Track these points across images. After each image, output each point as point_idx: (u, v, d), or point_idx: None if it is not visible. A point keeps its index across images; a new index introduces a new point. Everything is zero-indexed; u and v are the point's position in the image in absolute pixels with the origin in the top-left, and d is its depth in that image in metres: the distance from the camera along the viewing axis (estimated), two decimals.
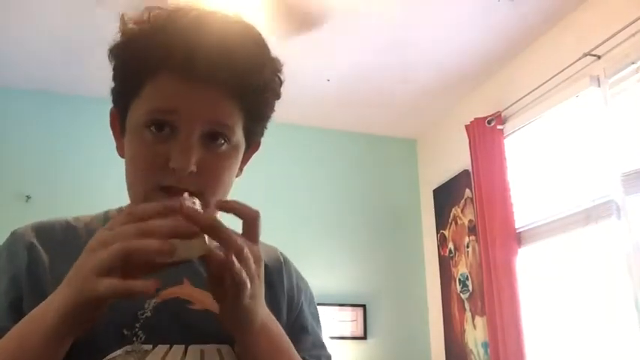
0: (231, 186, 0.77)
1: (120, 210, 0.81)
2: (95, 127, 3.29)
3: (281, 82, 0.77)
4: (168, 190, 0.69)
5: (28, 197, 3.06)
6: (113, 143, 0.78)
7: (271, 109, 0.79)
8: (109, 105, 0.77)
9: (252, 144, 0.81)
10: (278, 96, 0.78)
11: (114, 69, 0.74)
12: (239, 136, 0.74)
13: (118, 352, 0.64)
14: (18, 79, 3.15)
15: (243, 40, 0.72)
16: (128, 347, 0.65)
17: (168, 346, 0.67)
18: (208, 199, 0.70)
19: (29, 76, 3.13)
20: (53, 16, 2.65)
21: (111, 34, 0.73)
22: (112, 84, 0.75)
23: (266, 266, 0.70)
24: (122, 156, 0.76)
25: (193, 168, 0.68)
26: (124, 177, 0.74)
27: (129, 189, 0.74)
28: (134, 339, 0.66)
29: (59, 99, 3.26)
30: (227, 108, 0.71)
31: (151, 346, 0.66)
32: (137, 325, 0.67)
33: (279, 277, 0.84)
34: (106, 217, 0.79)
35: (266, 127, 0.82)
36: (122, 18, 0.72)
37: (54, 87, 3.22)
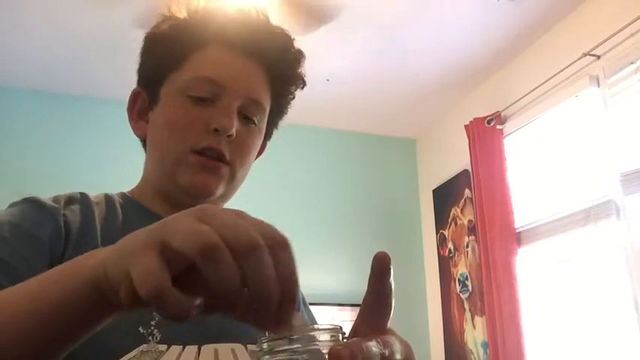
0: (248, 170, 0.80)
1: (121, 194, 0.78)
2: (95, 127, 3.30)
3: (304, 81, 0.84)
4: (201, 153, 0.72)
5: None
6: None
7: (288, 105, 0.85)
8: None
9: (265, 139, 0.84)
10: (303, 83, 0.84)
11: (150, 45, 0.79)
12: (265, 122, 0.79)
13: (134, 352, 0.62)
14: (18, 79, 3.15)
15: (281, 28, 0.81)
16: (144, 347, 0.63)
17: (182, 346, 0.65)
18: (235, 170, 0.75)
19: (29, 76, 3.12)
20: (54, 15, 2.64)
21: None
22: (141, 63, 0.80)
23: None
24: (141, 136, 0.79)
25: (234, 132, 0.72)
26: (151, 148, 0.76)
27: (159, 153, 0.76)
28: (150, 338, 0.63)
29: (59, 99, 3.26)
30: (264, 89, 0.78)
31: (166, 346, 0.64)
32: (153, 323, 0.65)
33: None
34: (107, 199, 0.76)
35: (276, 128, 0.87)
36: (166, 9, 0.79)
37: (54, 87, 3.21)
